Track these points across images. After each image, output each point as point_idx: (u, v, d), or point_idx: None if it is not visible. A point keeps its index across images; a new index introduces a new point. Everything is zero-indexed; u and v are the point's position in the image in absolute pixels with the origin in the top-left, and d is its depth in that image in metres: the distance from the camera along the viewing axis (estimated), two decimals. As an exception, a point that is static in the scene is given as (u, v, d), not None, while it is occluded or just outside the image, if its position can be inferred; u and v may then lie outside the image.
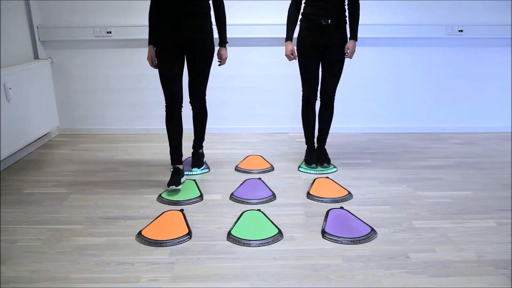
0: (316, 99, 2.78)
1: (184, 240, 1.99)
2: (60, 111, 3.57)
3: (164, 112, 2.53)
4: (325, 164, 2.87)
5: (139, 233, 2.03)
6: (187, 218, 2.20)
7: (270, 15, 3.39)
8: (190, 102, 2.66)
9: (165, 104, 2.51)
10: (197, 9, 2.37)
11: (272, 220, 2.17)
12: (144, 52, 3.40)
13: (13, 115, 2.86)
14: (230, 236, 2.01)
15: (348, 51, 2.65)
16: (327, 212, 2.26)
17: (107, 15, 3.37)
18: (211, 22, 2.48)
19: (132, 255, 1.87)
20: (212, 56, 2.53)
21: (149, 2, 2.42)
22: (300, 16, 2.67)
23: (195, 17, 2.37)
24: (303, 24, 2.63)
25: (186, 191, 2.50)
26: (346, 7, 2.62)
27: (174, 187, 2.43)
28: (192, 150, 2.91)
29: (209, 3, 2.45)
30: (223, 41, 2.61)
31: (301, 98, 2.81)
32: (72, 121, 3.64)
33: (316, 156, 2.92)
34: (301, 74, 2.73)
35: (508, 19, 3.45)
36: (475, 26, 3.44)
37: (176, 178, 2.50)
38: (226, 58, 2.64)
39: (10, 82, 2.81)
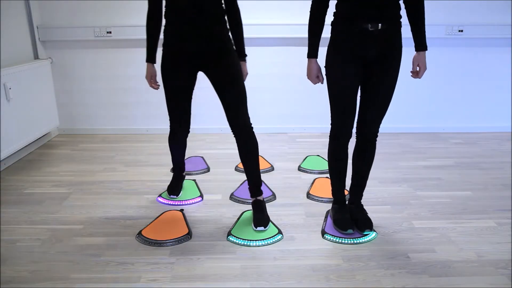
0: (351, 136, 1.99)
1: (184, 240, 1.99)
2: (60, 111, 3.56)
3: (168, 120, 2.20)
4: (367, 231, 2.03)
5: (139, 233, 2.03)
6: (187, 218, 2.20)
7: (270, 15, 3.39)
8: (232, 131, 2.06)
9: (169, 124, 2.18)
10: (209, 16, 1.90)
11: (272, 220, 2.17)
12: (144, 52, 3.40)
13: (13, 115, 2.86)
14: (230, 236, 2.01)
15: (418, 67, 1.87)
16: (327, 212, 2.26)
17: (107, 15, 3.36)
18: (227, 30, 2.02)
19: (132, 255, 1.87)
20: (240, 69, 2.00)
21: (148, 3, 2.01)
22: (332, 17, 1.86)
23: (207, 25, 1.91)
24: (338, 28, 1.82)
25: (186, 191, 2.50)
26: (401, 1, 1.82)
27: (175, 196, 2.41)
28: (250, 199, 2.21)
29: (222, 8, 1.97)
30: (241, 54, 2.09)
31: (328, 134, 2.03)
32: (72, 121, 3.64)
33: (351, 216, 2.10)
34: (331, 100, 1.92)
35: (508, 19, 3.45)
36: (475, 26, 3.44)
37: (177, 186, 2.46)
38: (246, 75, 2.13)
39: (10, 82, 2.81)
